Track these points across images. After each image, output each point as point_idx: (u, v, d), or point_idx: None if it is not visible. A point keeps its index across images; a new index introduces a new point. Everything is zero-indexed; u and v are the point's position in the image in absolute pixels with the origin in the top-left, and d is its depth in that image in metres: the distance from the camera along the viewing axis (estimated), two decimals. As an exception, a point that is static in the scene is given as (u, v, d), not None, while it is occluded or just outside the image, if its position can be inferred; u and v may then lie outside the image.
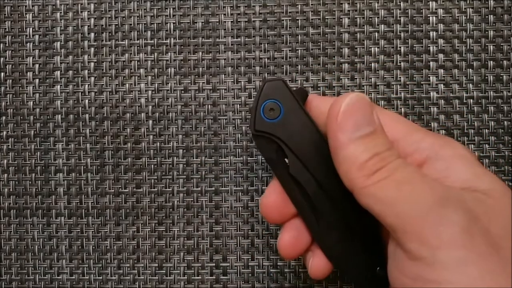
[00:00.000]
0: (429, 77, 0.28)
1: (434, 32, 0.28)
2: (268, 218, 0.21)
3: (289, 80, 0.28)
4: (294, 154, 0.21)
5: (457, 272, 0.14)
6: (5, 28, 0.29)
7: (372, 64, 0.28)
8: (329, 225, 0.21)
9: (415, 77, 0.28)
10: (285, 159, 0.21)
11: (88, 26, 0.29)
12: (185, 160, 0.28)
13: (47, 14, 0.29)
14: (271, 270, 0.28)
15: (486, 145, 0.28)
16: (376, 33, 0.28)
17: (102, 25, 0.29)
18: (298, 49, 0.28)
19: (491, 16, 0.28)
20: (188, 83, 0.29)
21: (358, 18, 0.28)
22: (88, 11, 0.29)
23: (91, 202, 0.29)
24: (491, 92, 0.28)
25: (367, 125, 0.18)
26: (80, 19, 0.29)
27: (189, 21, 0.29)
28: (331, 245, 0.21)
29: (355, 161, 0.17)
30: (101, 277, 0.29)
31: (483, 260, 0.15)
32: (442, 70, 0.28)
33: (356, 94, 0.18)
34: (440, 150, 0.18)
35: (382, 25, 0.28)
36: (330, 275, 0.28)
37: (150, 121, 0.29)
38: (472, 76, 0.28)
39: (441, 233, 0.15)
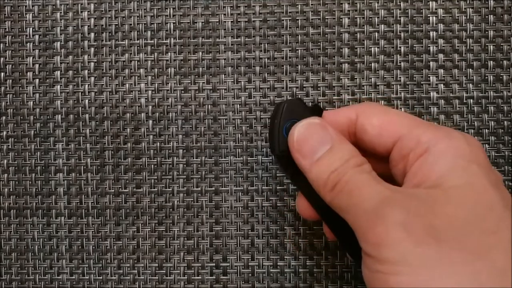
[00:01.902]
0: (429, 77, 0.28)
1: (434, 32, 0.28)
2: (304, 216, 0.24)
3: (289, 80, 0.28)
4: None
5: (402, 264, 0.16)
6: (5, 28, 0.29)
7: (372, 64, 0.28)
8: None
9: (415, 77, 0.28)
10: None
11: (88, 26, 0.29)
12: (185, 160, 0.28)
13: (47, 14, 0.29)
14: (271, 270, 0.28)
15: (486, 145, 0.28)
16: (376, 33, 0.28)
17: (102, 25, 0.29)
18: (298, 49, 0.28)
19: (491, 16, 0.28)
20: (188, 83, 0.29)
21: (358, 18, 0.28)
22: (88, 11, 0.29)
23: (91, 202, 0.29)
24: (491, 92, 0.28)
25: (323, 145, 0.20)
26: (80, 19, 0.29)
27: (189, 21, 0.29)
28: (356, 247, 0.21)
29: (319, 181, 0.20)
30: (101, 277, 0.29)
31: (422, 251, 0.16)
32: (442, 70, 0.28)
33: (306, 121, 0.21)
34: (437, 143, 0.19)
35: (382, 25, 0.28)
36: (330, 275, 0.28)
37: (150, 121, 0.29)
38: (472, 76, 0.28)
39: (380, 233, 0.17)
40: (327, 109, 0.25)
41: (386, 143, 0.20)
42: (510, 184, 0.28)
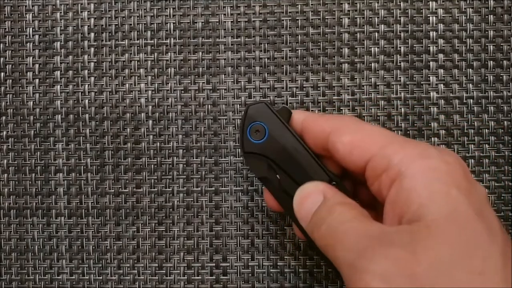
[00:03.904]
0: (429, 77, 0.28)
1: (434, 32, 0.28)
2: (272, 209, 0.24)
3: (289, 80, 0.28)
4: (284, 171, 0.22)
5: None
6: (5, 28, 0.29)
7: (372, 64, 0.28)
8: None
9: (415, 77, 0.28)
10: (277, 175, 0.23)
11: (88, 26, 0.29)
12: (185, 160, 0.28)
13: (47, 14, 0.29)
14: (271, 270, 0.28)
15: (486, 145, 0.28)
16: (376, 33, 0.28)
17: (102, 25, 0.29)
18: (298, 49, 0.28)
19: (491, 16, 0.28)
20: (188, 83, 0.29)
21: (358, 18, 0.28)
22: (88, 11, 0.29)
23: (91, 202, 0.29)
24: (491, 92, 0.28)
25: (315, 204, 0.20)
26: (80, 19, 0.29)
27: (189, 21, 0.29)
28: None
29: (312, 238, 0.20)
30: (101, 277, 0.29)
31: None
32: (442, 70, 0.28)
33: (301, 188, 0.21)
34: (411, 164, 0.18)
35: (382, 25, 0.28)
36: (330, 275, 0.28)
37: (150, 121, 0.29)
38: (472, 76, 0.28)
39: (360, 287, 0.16)
40: (310, 112, 0.25)
41: (357, 162, 0.20)
42: (510, 184, 0.28)
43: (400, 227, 0.17)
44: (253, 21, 0.28)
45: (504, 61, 0.28)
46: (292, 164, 0.22)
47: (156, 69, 0.29)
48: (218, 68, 0.28)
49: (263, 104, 0.23)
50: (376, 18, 0.28)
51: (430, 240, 0.16)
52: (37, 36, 0.29)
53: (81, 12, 0.29)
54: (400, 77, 0.28)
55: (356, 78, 0.28)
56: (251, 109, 0.23)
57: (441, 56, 0.28)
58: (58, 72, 0.29)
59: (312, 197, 0.21)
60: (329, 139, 0.21)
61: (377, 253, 0.16)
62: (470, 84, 0.28)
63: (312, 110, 0.28)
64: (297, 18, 0.28)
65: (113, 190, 0.29)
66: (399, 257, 0.16)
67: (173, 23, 0.29)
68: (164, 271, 0.29)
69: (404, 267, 0.15)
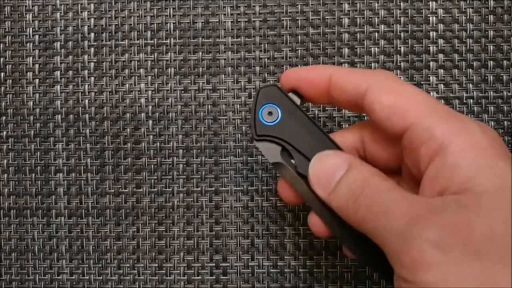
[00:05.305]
0: (429, 77, 0.28)
1: (434, 32, 0.28)
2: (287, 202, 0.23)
3: (289, 80, 0.28)
4: (299, 152, 0.21)
5: (442, 285, 0.15)
6: (5, 28, 0.29)
7: (372, 64, 0.28)
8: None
9: (415, 77, 0.28)
10: (292, 160, 0.22)
11: (88, 26, 0.29)
12: (185, 160, 0.28)
13: (47, 14, 0.29)
14: (271, 270, 0.28)
15: (486, 145, 0.28)
16: (376, 33, 0.28)
17: (102, 25, 0.29)
18: (298, 49, 0.28)
19: (491, 16, 0.28)
20: (188, 83, 0.29)
21: (358, 18, 0.28)
22: (88, 11, 0.29)
23: (91, 202, 0.29)
24: (491, 92, 0.28)
25: (338, 171, 0.19)
26: (80, 19, 0.29)
27: (189, 21, 0.29)
28: (345, 234, 0.21)
29: (341, 208, 0.19)
30: (101, 277, 0.29)
31: (462, 270, 0.15)
32: (442, 70, 0.28)
33: (318, 154, 0.20)
34: (453, 139, 0.17)
35: (382, 25, 0.28)
36: (330, 275, 0.28)
37: (150, 121, 0.29)
38: (472, 76, 0.28)
39: (415, 256, 0.15)
40: (337, 66, 0.23)
41: (395, 128, 0.19)
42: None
43: (446, 197, 0.16)
44: (253, 21, 0.28)
45: (504, 61, 0.28)
46: (307, 145, 0.21)
47: (156, 69, 0.29)
48: (218, 68, 0.28)
49: (275, 87, 0.22)
50: (376, 18, 0.28)
51: (481, 209, 0.15)
52: (37, 36, 0.29)
53: (81, 12, 0.29)
54: (400, 77, 0.28)
55: (356, 78, 0.28)
56: (263, 91, 0.22)
57: (441, 56, 0.28)
58: (58, 72, 0.29)
59: (334, 164, 0.20)
60: (366, 98, 0.19)
61: (430, 220, 0.15)
62: (470, 84, 0.28)
63: (312, 110, 0.28)
64: (297, 18, 0.28)
65: (113, 190, 0.29)
66: (453, 225, 0.15)
67: (173, 23, 0.29)
68: (164, 271, 0.29)
69: (458, 235, 0.15)
